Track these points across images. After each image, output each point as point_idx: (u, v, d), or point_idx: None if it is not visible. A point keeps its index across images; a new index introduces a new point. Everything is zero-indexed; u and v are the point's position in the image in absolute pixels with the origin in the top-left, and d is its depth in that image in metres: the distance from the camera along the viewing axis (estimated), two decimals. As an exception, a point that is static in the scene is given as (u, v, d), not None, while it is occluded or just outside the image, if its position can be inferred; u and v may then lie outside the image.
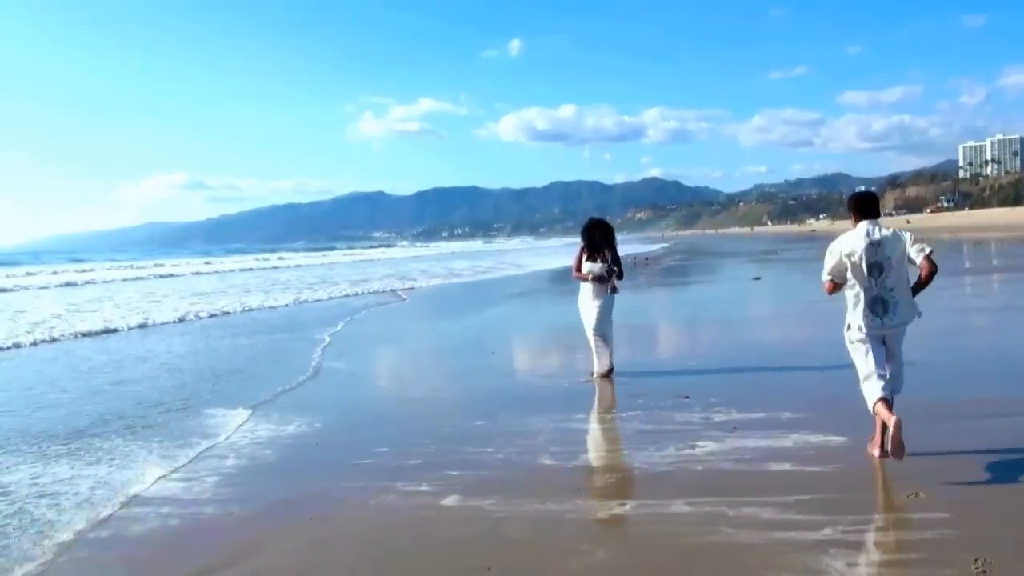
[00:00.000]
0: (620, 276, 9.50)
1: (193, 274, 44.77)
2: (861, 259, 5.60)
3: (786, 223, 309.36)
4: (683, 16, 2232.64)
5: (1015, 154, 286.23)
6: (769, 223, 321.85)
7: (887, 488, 5.14)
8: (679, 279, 30.41)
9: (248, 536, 5.02)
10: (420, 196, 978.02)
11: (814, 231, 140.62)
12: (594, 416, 7.98)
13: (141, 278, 41.30)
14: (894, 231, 5.75)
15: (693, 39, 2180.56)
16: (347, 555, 4.68)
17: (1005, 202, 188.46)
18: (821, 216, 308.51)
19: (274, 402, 9.02)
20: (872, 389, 5.56)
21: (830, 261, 5.76)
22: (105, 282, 37.43)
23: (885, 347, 5.71)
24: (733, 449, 6.11)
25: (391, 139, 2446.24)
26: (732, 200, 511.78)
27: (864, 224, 5.72)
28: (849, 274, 5.67)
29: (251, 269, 49.66)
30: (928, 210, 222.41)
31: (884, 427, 5.36)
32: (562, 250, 67.62)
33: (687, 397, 7.95)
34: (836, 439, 6.24)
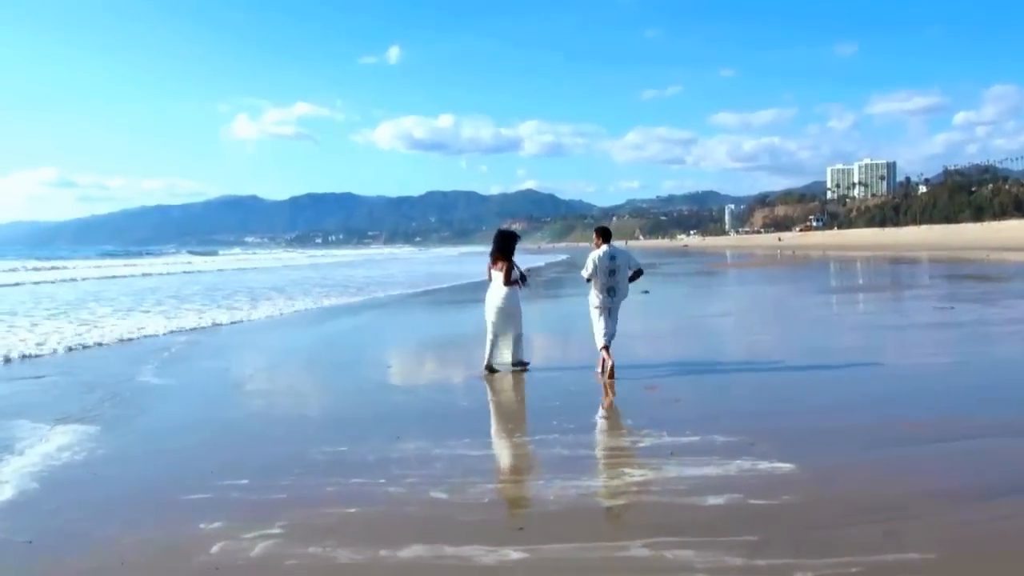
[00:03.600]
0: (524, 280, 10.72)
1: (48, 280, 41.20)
2: (605, 266, 9.63)
3: (658, 238, 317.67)
4: (561, 33, 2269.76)
5: (881, 178, 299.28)
6: (641, 237, 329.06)
7: (853, 525, 4.55)
8: (571, 291, 30.07)
9: None
10: (294, 201, 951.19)
11: (686, 246, 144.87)
12: (503, 438, 7.17)
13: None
14: (623, 250, 10.09)
15: (570, 56, 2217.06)
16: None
17: (871, 223, 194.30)
18: (692, 232, 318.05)
19: (112, 420, 7.90)
20: (600, 338, 9.53)
21: (589, 266, 9.68)
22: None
23: (610, 313, 9.62)
24: (673, 479, 5.47)
25: (266, 142, 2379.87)
26: (606, 214, 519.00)
27: (606, 246, 9.73)
28: (596, 273, 9.62)
29: (116, 277, 45.85)
30: (798, 228, 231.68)
31: (604, 361, 9.29)
32: (454, 261, 66.46)
33: (607, 416, 7.32)
34: (783, 466, 5.67)
